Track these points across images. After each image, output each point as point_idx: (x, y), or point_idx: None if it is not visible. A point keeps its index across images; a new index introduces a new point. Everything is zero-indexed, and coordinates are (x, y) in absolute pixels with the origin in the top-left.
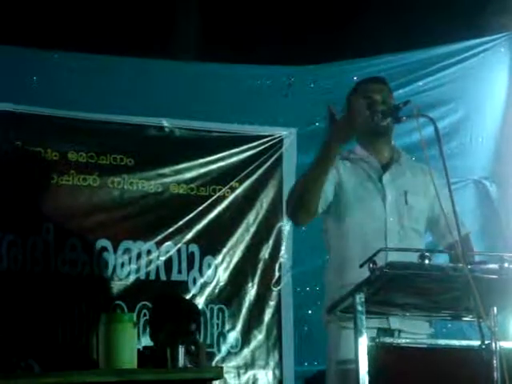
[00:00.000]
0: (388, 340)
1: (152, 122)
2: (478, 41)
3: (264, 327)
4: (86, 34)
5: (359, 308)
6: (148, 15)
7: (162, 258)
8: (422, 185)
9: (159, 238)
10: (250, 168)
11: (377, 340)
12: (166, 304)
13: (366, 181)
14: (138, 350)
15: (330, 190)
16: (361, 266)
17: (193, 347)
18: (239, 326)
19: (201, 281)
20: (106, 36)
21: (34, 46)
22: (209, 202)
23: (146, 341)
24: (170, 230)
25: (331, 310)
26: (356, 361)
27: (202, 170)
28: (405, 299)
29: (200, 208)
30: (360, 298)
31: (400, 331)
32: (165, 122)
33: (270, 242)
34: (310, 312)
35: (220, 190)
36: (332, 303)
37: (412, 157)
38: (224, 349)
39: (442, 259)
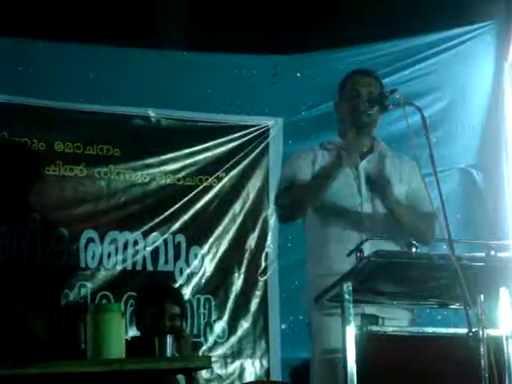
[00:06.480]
0: (375, 328)
1: (138, 113)
2: (463, 29)
3: (251, 317)
4: (71, 24)
5: (347, 297)
6: (133, 4)
7: (149, 249)
8: (399, 172)
9: (146, 228)
10: (237, 158)
11: (364, 328)
12: (149, 290)
13: (342, 167)
14: (126, 340)
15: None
16: (348, 254)
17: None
18: (226, 316)
19: (187, 271)
20: (91, 25)
21: (20, 35)
22: (195, 192)
23: (133, 331)
24: (157, 220)
25: (318, 299)
26: (343, 350)
27: (189, 160)
28: (391, 287)
29: (186, 198)
30: (347, 286)
31: (384, 318)
32: (151, 113)
33: (257, 231)
34: (296, 301)
35: (206, 180)
36: (319, 292)
37: (397, 145)
38: (211, 338)
39: None
